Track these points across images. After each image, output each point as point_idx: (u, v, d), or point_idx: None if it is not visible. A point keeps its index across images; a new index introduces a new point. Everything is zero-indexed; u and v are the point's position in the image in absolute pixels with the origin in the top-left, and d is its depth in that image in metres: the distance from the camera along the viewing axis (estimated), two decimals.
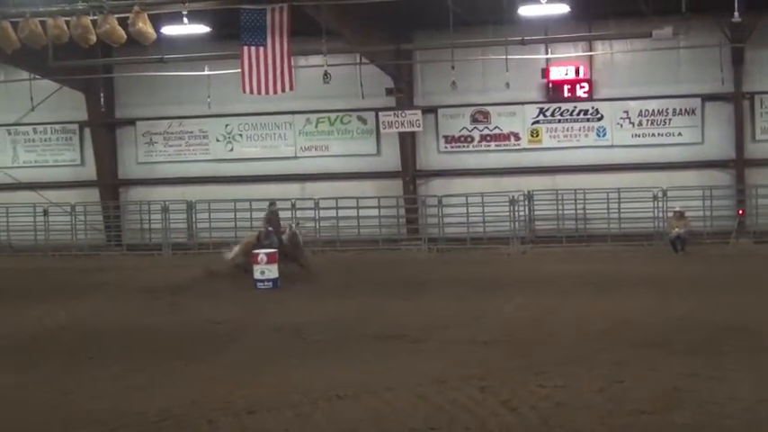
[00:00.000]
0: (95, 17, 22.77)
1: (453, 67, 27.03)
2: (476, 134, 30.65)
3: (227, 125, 32.60)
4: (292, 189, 32.17)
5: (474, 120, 30.68)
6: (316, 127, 32.30)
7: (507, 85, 26.47)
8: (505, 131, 30.41)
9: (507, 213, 30.16)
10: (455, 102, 30.28)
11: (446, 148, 31.14)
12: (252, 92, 26.72)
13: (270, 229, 23.55)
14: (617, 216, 28.82)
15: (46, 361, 16.61)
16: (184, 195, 32.39)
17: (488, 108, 30.46)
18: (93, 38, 22.97)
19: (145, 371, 15.60)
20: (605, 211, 28.87)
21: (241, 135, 32.81)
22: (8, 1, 23.35)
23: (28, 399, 13.71)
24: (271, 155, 32.47)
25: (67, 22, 22.71)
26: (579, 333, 16.79)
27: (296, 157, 32.44)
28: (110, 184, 33.52)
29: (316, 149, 32.24)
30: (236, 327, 19.50)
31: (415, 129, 30.43)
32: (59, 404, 13.47)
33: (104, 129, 33.40)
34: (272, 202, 24.86)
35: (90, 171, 33.68)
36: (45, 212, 32.69)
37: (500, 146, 30.70)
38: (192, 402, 13.28)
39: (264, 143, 32.67)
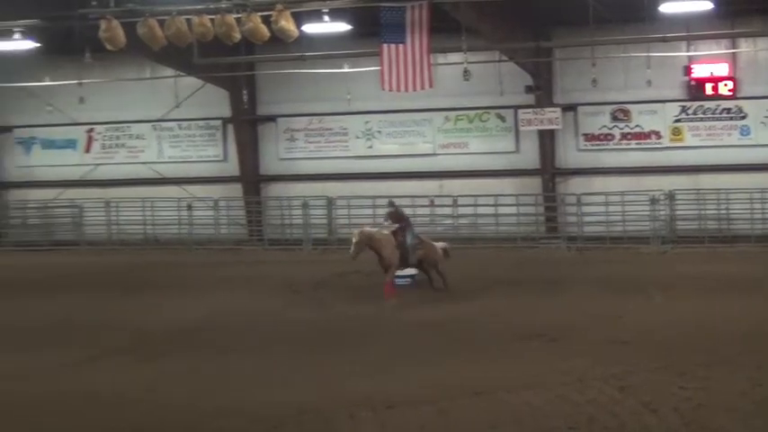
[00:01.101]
0: (239, 15, 24.18)
1: (594, 65, 28.75)
2: (616, 132, 32.64)
3: (366, 122, 35.24)
4: (430, 186, 34.54)
5: (614, 118, 32.67)
6: (454, 124, 34.43)
7: (649, 82, 28.48)
8: (646, 130, 32.51)
9: (648, 213, 31.93)
10: (595, 99, 32.43)
11: (585, 145, 33.30)
12: (391, 89, 27.79)
13: (398, 225, 22.42)
14: (761, 217, 31.11)
15: (188, 353, 17.71)
16: (324, 191, 35.27)
17: (629, 106, 32.58)
18: (238, 36, 24.48)
19: (286, 364, 16.49)
20: (749, 211, 31.15)
21: (380, 132, 35.16)
22: (155, 0, 25.22)
23: (171, 391, 14.51)
24: (409, 152, 34.87)
25: (212, 21, 24.21)
26: (721, 334, 17.26)
27: (434, 155, 34.77)
28: (252, 179, 36.58)
29: (454, 147, 34.44)
30: (375, 322, 20.33)
31: (555, 126, 32.49)
32: (200, 396, 14.24)
33: (247, 125, 36.34)
34: (391, 202, 24.41)
35: (232, 167, 36.61)
36: (189, 207, 35.99)
37: (641, 144, 32.77)
38: (331, 396, 13.93)
39: (403, 140, 35.08)
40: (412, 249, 21.91)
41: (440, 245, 23.07)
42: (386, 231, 21.81)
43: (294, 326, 20.14)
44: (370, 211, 32.95)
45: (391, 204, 23.78)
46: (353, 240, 21.05)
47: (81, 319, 22.20)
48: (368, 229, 22.06)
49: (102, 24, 24.83)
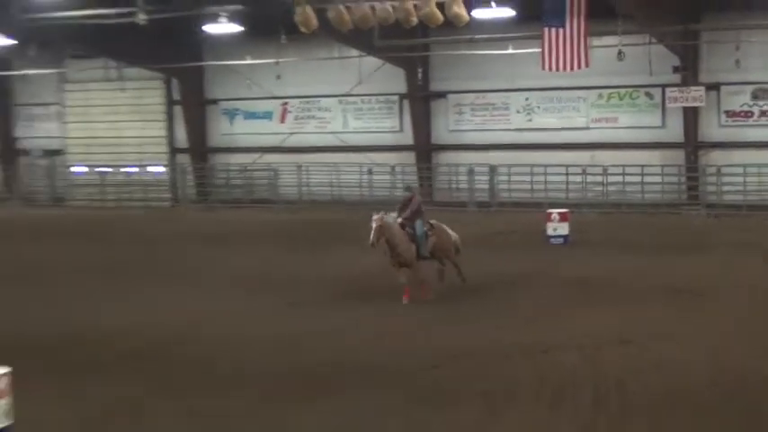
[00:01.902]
0: (416, 1, 24.99)
1: (737, 48, 31.28)
2: (756, 110, 33.99)
3: (526, 98, 37.15)
4: (582, 157, 35.91)
5: (754, 96, 33.99)
6: (606, 101, 36.15)
7: None
8: None
9: None
10: (737, 79, 33.79)
11: (727, 122, 34.55)
12: (551, 69, 29.04)
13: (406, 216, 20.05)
14: None
15: (373, 300, 19.60)
16: (487, 160, 37.33)
17: None
18: (415, 20, 25.38)
19: (445, 315, 18.00)
20: None
21: (539, 107, 37.06)
22: None
23: (343, 337, 16.37)
24: (564, 125, 36.63)
25: (393, 7, 25.30)
26: None
27: (587, 128, 36.44)
28: (424, 148, 38.71)
29: (606, 121, 36.20)
30: (529, 278, 21.49)
31: (699, 104, 33.92)
32: (374, 340, 15.94)
33: (420, 100, 38.34)
34: (408, 186, 23.71)
35: (407, 137, 39.01)
36: (369, 172, 38.84)
37: None
38: (490, 342, 15.26)
39: (559, 115, 36.88)
40: (422, 239, 19.73)
41: (453, 235, 20.76)
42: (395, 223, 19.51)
43: (452, 281, 20.66)
44: (528, 178, 35.48)
45: (408, 189, 22.18)
46: (373, 226, 18.69)
47: (279, 270, 24.22)
48: (387, 217, 19.21)
49: (297, 9, 25.97)
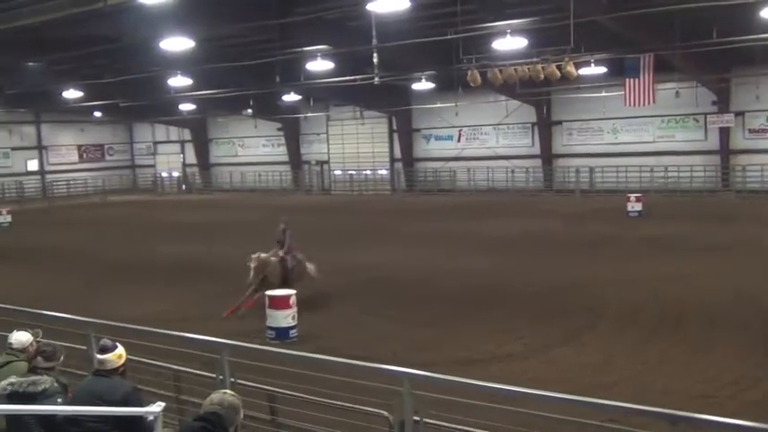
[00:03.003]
0: (543, 65, 24.69)
1: (758, 87, 30.44)
2: None
3: (613, 124, 35.80)
4: (650, 161, 34.64)
5: None
6: (667, 124, 34.75)
7: None
8: None
9: None
10: (756, 107, 32.36)
11: (749, 136, 32.82)
12: (630, 105, 29.48)
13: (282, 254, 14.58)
14: None
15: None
16: (588, 164, 36.41)
17: None
18: (542, 76, 25.00)
19: (559, 259, 18.09)
20: None
21: (622, 129, 35.69)
22: (494, 57, 25.21)
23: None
24: (638, 140, 35.33)
25: (528, 68, 24.85)
26: None
27: (654, 142, 35.08)
28: (547, 157, 37.98)
29: (666, 138, 34.93)
30: (616, 237, 21.48)
31: (730, 125, 32.42)
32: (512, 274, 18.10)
33: (545, 126, 37.72)
34: (283, 220, 15.43)
35: (536, 149, 38.61)
36: (512, 172, 38.76)
37: None
38: (590, 277, 15.80)
39: (635, 134, 35.53)
40: (292, 271, 14.45)
41: (310, 266, 14.99)
42: (274, 258, 14.30)
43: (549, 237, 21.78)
44: (614, 175, 34.70)
45: (283, 224, 15.12)
46: (252, 266, 13.84)
47: (459, 230, 25.24)
48: (264, 255, 14.13)
49: (468, 72, 25.24)
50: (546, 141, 38.05)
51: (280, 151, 47.86)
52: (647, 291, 14.37)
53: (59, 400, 5.29)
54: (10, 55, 28.86)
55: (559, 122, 37.86)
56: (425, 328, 12.66)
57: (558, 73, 24.52)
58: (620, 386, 9.31)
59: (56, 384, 5.36)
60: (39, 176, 50.19)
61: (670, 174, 34.18)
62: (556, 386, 7.37)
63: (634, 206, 26.32)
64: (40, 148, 50.56)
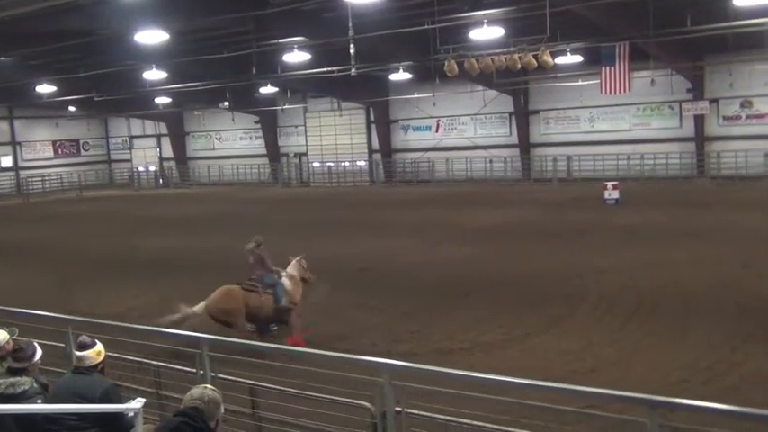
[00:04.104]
0: (520, 54, 24.62)
1: (731, 74, 30.26)
2: (743, 115, 32.63)
3: (590, 113, 36.32)
4: (627, 149, 34.80)
5: (741, 106, 32.53)
6: (642, 112, 34.89)
7: (766, 83, 29.79)
8: (763, 112, 32.25)
9: (762, 162, 31.42)
10: (730, 95, 32.48)
11: (723, 123, 33.06)
12: (607, 93, 29.97)
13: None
14: None
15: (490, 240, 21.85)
16: (565, 152, 36.59)
17: (752, 99, 32.17)
18: (519, 66, 25.17)
19: (537, 248, 18.18)
20: None
21: (598, 117, 36.06)
22: (471, 47, 25.09)
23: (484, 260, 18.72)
24: (615, 128, 35.72)
25: (505, 58, 24.98)
26: None
27: (630, 130, 35.34)
28: (525, 146, 38.15)
29: (642, 126, 35.11)
30: (593, 224, 21.67)
31: (704, 112, 32.76)
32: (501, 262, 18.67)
33: (523, 116, 37.80)
34: (257, 241, 11.90)
35: (514, 139, 38.73)
36: (490, 161, 38.93)
37: (759, 122, 32.26)
38: (567, 265, 15.94)
39: (611, 122, 35.89)
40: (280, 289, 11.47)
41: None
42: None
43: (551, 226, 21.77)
44: (591, 164, 34.79)
45: (257, 243, 11.77)
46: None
47: (432, 220, 25.25)
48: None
49: (445, 62, 25.53)
50: (523, 131, 38.09)
51: (257, 144, 47.68)
52: (625, 278, 14.54)
53: (40, 401, 5.24)
54: None
55: (537, 112, 37.90)
56: (406, 319, 12.72)
57: (535, 62, 24.49)
58: (599, 373, 9.43)
59: (35, 385, 5.31)
60: (13, 173, 49.58)
61: (646, 161, 34.37)
62: (536, 374, 7.45)
63: (611, 194, 26.41)
64: (13, 143, 49.99)
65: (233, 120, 46.22)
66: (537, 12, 20.91)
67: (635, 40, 27.23)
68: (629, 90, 29.68)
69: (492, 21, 22.37)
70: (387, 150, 42.72)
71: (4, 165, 49.36)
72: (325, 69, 29.27)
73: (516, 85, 35.05)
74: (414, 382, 5.90)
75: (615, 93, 30.01)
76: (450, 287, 14.83)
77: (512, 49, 24.98)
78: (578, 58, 28.75)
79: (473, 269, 16.43)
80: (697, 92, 32.96)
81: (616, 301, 13.05)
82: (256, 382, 6.96)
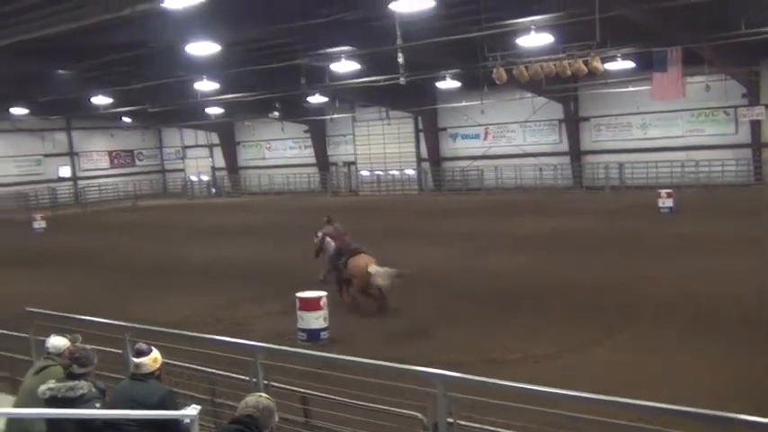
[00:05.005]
0: (570, 60, 24.72)
1: None
2: None
3: (642, 119, 35.80)
4: (681, 155, 34.38)
5: None
6: (697, 118, 34.33)
7: None
8: None
9: None
10: None
11: None
12: (659, 99, 29.74)
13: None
14: None
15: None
16: (617, 160, 36.22)
17: None
18: (569, 72, 25.08)
19: (592, 261, 17.68)
20: None
21: (651, 124, 35.60)
22: (520, 53, 25.24)
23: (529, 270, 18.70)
24: (668, 135, 35.05)
25: (554, 65, 24.87)
26: None
27: (683, 136, 34.74)
28: (575, 153, 38.03)
29: (696, 132, 34.50)
30: (647, 234, 21.45)
31: (760, 118, 32.00)
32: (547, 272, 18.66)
33: (573, 123, 37.80)
34: (329, 217, 15.56)
35: (564, 146, 38.53)
36: (540, 170, 38.61)
37: None
38: (623, 275, 15.53)
39: (664, 129, 35.26)
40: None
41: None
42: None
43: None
44: (644, 171, 34.43)
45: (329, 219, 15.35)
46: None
47: (488, 228, 25.28)
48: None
49: (494, 69, 25.72)
50: (574, 138, 37.83)
51: (307, 153, 48.13)
52: (681, 288, 14.21)
53: (97, 404, 5.38)
54: (41, 63, 29.36)
55: (587, 118, 37.56)
56: (457, 328, 12.66)
57: (585, 68, 24.31)
58: (653, 386, 9.16)
59: (93, 389, 5.45)
60: (71, 182, 50.99)
61: (701, 168, 33.71)
62: (588, 386, 7.28)
63: (665, 202, 25.96)
64: (71, 154, 51.39)
65: (283, 129, 46.82)
66: (586, 17, 20.68)
67: (688, 45, 26.76)
68: (683, 96, 29.27)
69: (540, 27, 22.25)
70: (435, 159, 42.75)
71: (62, 174, 50.76)
72: (373, 78, 29.45)
73: (566, 91, 34.71)
74: (466, 392, 5.84)
75: (668, 98, 29.53)
76: (501, 296, 14.72)
77: (561, 55, 24.78)
78: (629, 64, 28.37)
79: (524, 278, 16.28)
80: (753, 97, 32.24)
81: (672, 312, 12.78)
82: (309, 391, 7.00)
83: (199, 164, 54.26)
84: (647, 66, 28.71)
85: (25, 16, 14.97)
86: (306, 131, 47.21)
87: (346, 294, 14.08)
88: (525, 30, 22.38)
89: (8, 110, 41.16)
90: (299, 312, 12.10)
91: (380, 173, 44.40)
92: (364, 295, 13.59)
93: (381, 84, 29.13)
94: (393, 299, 14.45)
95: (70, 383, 5.39)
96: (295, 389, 7.02)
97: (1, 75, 29.99)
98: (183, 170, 55.41)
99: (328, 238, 14.51)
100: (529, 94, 35.71)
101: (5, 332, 9.84)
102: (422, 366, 6.70)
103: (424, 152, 42.98)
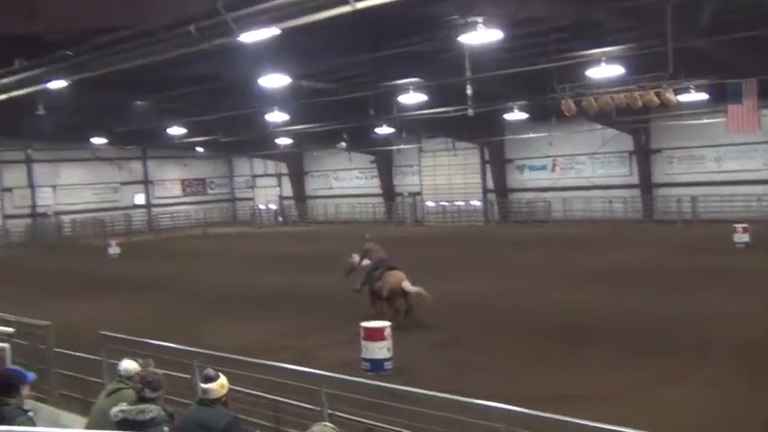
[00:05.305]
0: (641, 92, 24.43)
1: None
2: None
3: (716, 152, 34.89)
4: (757, 189, 33.29)
5: None
6: None
7: None
8: None
9: None
10: None
11: None
12: (734, 131, 28.10)
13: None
14: None
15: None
16: (690, 193, 35.37)
17: None
18: (639, 104, 24.98)
19: (648, 295, 17.34)
20: None
21: (725, 157, 34.67)
22: (589, 85, 25.08)
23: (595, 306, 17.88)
24: (743, 168, 34.07)
25: (625, 96, 24.80)
26: None
27: (760, 170, 33.68)
28: (646, 186, 37.37)
29: None
30: (723, 269, 20.43)
31: None
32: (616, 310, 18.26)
33: (644, 155, 37.11)
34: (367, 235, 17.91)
35: (635, 179, 37.85)
36: (609, 202, 37.93)
37: None
38: (697, 312, 15.18)
39: (740, 162, 34.35)
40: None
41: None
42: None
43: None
44: (718, 205, 33.59)
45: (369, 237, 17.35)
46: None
47: (557, 260, 25.17)
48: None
49: (563, 101, 25.78)
50: (645, 170, 37.15)
51: (373, 183, 48.61)
52: (757, 327, 13.70)
53: (166, 428, 5.52)
54: (120, 95, 30.62)
55: (659, 150, 36.86)
56: (522, 362, 12.49)
57: (657, 100, 24.04)
58: (724, 429, 8.85)
59: (163, 413, 5.59)
60: (145, 210, 52.61)
61: None
62: (656, 427, 7.08)
63: (741, 237, 25.13)
64: (146, 182, 53.10)
65: (350, 159, 47.50)
66: (658, 48, 20.39)
67: (763, 77, 25.85)
68: (759, 128, 28.13)
69: (611, 58, 22.07)
70: (502, 190, 42.58)
71: (137, 202, 52.44)
72: (440, 110, 29.60)
73: (637, 123, 34.15)
74: (530, 428, 5.77)
75: (743, 131, 28.56)
76: (568, 331, 14.47)
77: (632, 86, 24.48)
78: (703, 96, 27.86)
79: (592, 313, 15.96)
80: None
81: (749, 351, 12.28)
82: (373, 422, 6.98)
83: (267, 193, 55.29)
84: (721, 97, 27.90)
85: (108, 50, 15.64)
86: (372, 161, 47.73)
87: (378, 305, 15.27)
88: (596, 61, 22.21)
89: (88, 139, 42.94)
90: (363, 342, 12.13)
91: (446, 204, 44.36)
92: (390, 307, 14.85)
93: (448, 114, 29.19)
94: (458, 330, 14.37)
95: (141, 406, 5.54)
96: (359, 419, 7.00)
97: (82, 106, 31.33)
98: (252, 199, 56.46)
99: (366, 259, 16.23)
100: (598, 126, 35.14)
101: (80, 354, 10.14)
102: (486, 400, 6.60)
103: (490, 183, 42.90)
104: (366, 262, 16.20)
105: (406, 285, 14.68)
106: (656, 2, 18.34)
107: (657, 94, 23.79)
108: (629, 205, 37.65)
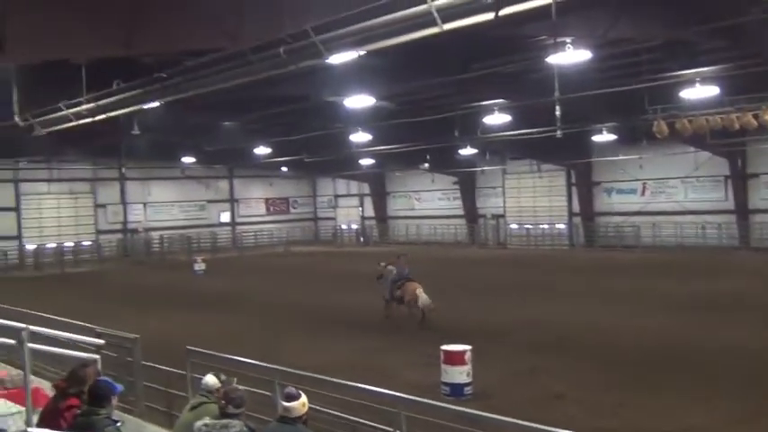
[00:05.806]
0: (738, 114, 23.65)
1: None
2: None
3: None
4: None
5: None
6: None
7: None
8: None
9: None
10: None
11: None
12: None
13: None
14: None
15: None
16: None
17: None
18: (737, 126, 23.99)
19: (743, 325, 17.48)
20: None
21: None
22: (683, 106, 24.40)
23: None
24: None
25: (721, 118, 24.03)
26: None
27: None
28: (742, 212, 36.17)
29: None
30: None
31: None
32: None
33: (740, 180, 36.04)
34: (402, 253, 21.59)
35: (730, 204, 36.70)
36: (703, 228, 36.82)
37: None
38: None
39: None
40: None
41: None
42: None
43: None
44: None
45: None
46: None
47: (648, 287, 24.68)
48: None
49: (654, 123, 24.82)
50: (741, 195, 36.02)
51: (455, 205, 48.53)
52: None
53: None
54: (209, 116, 31.68)
55: (756, 175, 35.74)
56: (606, 392, 12.19)
57: (755, 122, 23.44)
58: None
59: (245, 429, 5.71)
60: (230, 227, 54.05)
61: None
62: None
63: None
64: (232, 201, 54.63)
65: (432, 180, 47.81)
66: (756, 69, 19.72)
67: None
68: None
69: (706, 79, 21.42)
70: (588, 213, 41.90)
71: (222, 220, 53.97)
72: (527, 131, 29.34)
73: (732, 146, 32.93)
74: None
75: None
76: (656, 361, 14.08)
77: (728, 108, 23.94)
78: None
79: (681, 342, 15.53)
80: None
81: None
82: None
83: (349, 213, 55.98)
84: None
85: (199, 72, 16.24)
86: (455, 183, 47.74)
87: (393, 307, 19.14)
88: (689, 81, 21.61)
89: (178, 158, 44.60)
90: (443, 366, 12.09)
91: (530, 226, 44.00)
92: (409, 309, 18.56)
93: (533, 136, 28.93)
94: (540, 357, 14.13)
95: (224, 421, 5.68)
96: None
97: (174, 126, 32.56)
98: (334, 218, 57.27)
99: (390, 266, 19.76)
100: (691, 149, 34.25)
101: (166, 368, 10.48)
102: (565, 430, 6.46)
103: (576, 206, 42.30)
104: (390, 267, 19.74)
105: (419, 293, 18.17)
106: (752, 21, 17.69)
107: (755, 116, 23.17)
108: (724, 231, 36.40)
